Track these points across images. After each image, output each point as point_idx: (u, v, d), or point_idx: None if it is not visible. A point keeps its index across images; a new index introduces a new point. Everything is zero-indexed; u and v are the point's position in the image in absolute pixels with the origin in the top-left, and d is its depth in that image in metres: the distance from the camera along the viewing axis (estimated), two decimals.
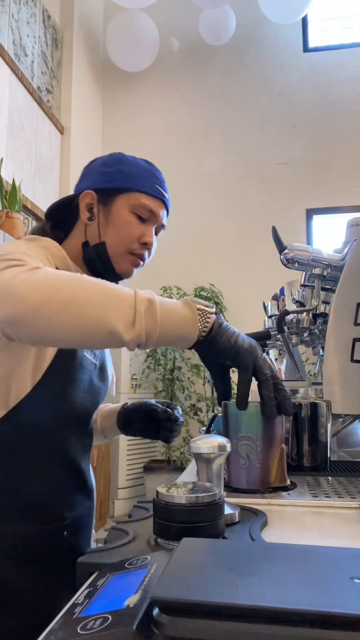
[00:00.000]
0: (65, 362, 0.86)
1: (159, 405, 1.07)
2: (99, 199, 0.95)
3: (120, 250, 0.94)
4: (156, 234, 0.99)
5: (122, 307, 0.67)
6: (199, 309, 0.72)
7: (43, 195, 3.71)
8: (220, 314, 0.78)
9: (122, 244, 0.94)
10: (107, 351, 1.09)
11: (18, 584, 0.78)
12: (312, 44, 4.69)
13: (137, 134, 4.79)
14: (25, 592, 0.79)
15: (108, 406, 1.14)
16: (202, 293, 4.22)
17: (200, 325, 0.71)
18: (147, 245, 0.95)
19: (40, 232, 0.98)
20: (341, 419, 1.26)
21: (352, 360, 1.12)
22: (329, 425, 1.09)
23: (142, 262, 0.97)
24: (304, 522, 0.70)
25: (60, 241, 0.95)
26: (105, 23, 4.68)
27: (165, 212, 0.99)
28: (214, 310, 0.75)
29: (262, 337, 1.20)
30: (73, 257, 0.94)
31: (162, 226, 1.00)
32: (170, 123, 4.75)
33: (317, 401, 1.08)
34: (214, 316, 0.74)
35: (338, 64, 4.55)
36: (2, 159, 2.79)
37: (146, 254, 0.97)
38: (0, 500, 0.80)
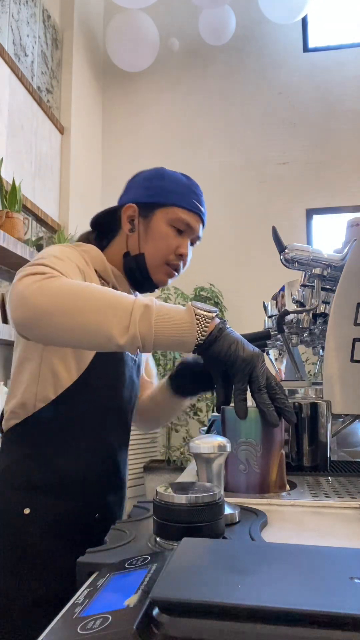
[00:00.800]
0: (109, 357, 0.94)
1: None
2: (140, 212, 1.02)
3: (158, 261, 1.01)
4: (192, 244, 1.06)
5: (119, 313, 0.72)
6: (197, 315, 0.74)
7: (43, 195, 3.71)
8: (225, 321, 0.78)
9: (159, 256, 1.01)
10: None
11: (50, 553, 0.88)
12: (312, 44, 4.69)
13: (137, 134, 4.79)
14: (55, 561, 0.88)
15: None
16: (202, 293, 4.22)
17: (198, 331, 0.74)
18: (182, 257, 1.02)
19: (85, 239, 1.07)
20: (341, 419, 1.26)
21: (352, 360, 1.12)
22: (329, 425, 1.09)
23: (176, 273, 1.05)
24: (304, 522, 0.70)
25: (102, 248, 1.04)
26: (105, 23, 4.68)
27: (201, 225, 1.05)
28: (214, 315, 0.77)
29: (262, 337, 1.20)
30: (114, 264, 1.02)
31: (198, 238, 1.06)
32: (170, 123, 4.75)
33: (317, 401, 1.08)
34: (215, 321, 0.76)
35: (338, 64, 4.55)
36: (2, 159, 2.79)
37: (181, 264, 1.04)
38: (45, 477, 0.91)
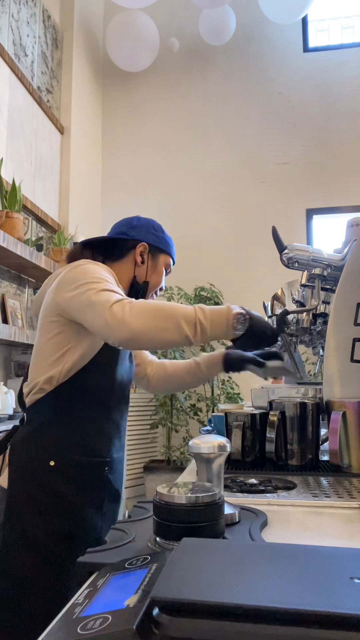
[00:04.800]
0: (111, 346, 1.16)
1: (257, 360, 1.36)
2: (150, 251, 1.34)
3: (152, 290, 1.37)
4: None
5: (189, 323, 1.04)
6: (233, 316, 1.08)
7: (43, 195, 3.71)
8: (249, 318, 1.10)
9: (154, 286, 1.37)
10: None
11: (71, 499, 1.12)
12: (312, 44, 4.69)
13: (137, 134, 4.79)
14: (75, 505, 1.12)
15: (206, 357, 1.48)
16: (202, 293, 4.22)
17: (235, 326, 1.07)
18: (161, 289, 1.41)
19: (90, 257, 1.29)
20: None
21: (352, 360, 1.12)
22: (320, 425, 1.09)
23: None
24: (304, 522, 0.70)
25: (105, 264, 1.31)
26: (105, 23, 4.68)
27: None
28: (244, 316, 1.09)
29: (272, 357, 1.33)
30: (120, 281, 1.28)
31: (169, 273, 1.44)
32: (170, 123, 4.75)
33: (305, 401, 1.08)
34: (246, 322, 1.09)
35: (338, 64, 4.55)
36: (2, 159, 2.79)
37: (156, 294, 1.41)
38: (67, 436, 1.14)
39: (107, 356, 1.19)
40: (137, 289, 1.34)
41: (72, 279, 1.13)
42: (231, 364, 1.36)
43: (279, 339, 1.40)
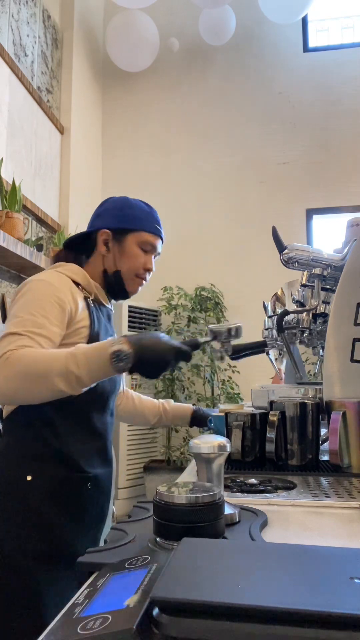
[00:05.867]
0: None
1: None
2: (113, 236, 1.24)
3: (131, 275, 1.26)
4: (154, 257, 1.30)
5: (62, 376, 0.94)
6: (111, 352, 0.94)
7: (43, 195, 3.71)
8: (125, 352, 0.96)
9: (132, 271, 1.25)
10: None
11: (48, 515, 1.06)
12: (312, 44, 4.69)
13: (137, 134, 4.79)
14: (53, 522, 1.06)
15: (175, 407, 1.46)
16: (202, 293, 4.22)
17: (113, 361, 0.94)
18: (148, 271, 1.28)
19: (63, 259, 1.27)
20: None
21: (352, 360, 1.12)
22: (320, 425, 1.09)
23: (144, 282, 1.30)
24: (304, 522, 0.70)
25: (81, 264, 1.27)
26: (105, 23, 4.68)
27: (160, 243, 1.29)
28: (119, 346, 0.95)
29: (258, 347, 1.33)
30: (94, 278, 1.24)
31: (158, 253, 1.31)
32: (170, 123, 4.75)
33: (305, 401, 1.08)
34: (123, 350, 0.95)
35: (338, 64, 4.54)
36: (2, 159, 2.79)
37: (148, 276, 1.30)
38: (44, 450, 1.09)
39: None
40: (110, 281, 1.26)
41: (13, 301, 1.11)
42: (198, 422, 1.41)
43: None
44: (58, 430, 1.10)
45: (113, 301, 1.35)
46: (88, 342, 1.11)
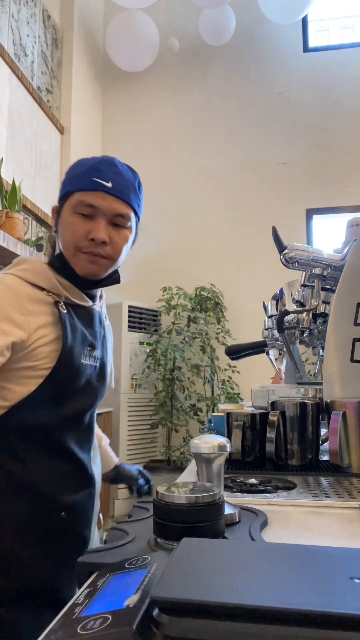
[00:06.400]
0: (64, 371, 0.95)
1: (138, 485, 1.31)
2: (57, 212, 1.01)
3: (71, 251, 0.97)
4: (119, 225, 0.98)
5: None
6: None
7: (43, 195, 3.71)
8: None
9: (70, 246, 0.97)
10: (110, 348, 1.15)
11: (19, 552, 0.90)
12: (312, 44, 4.69)
13: (137, 134, 4.78)
14: (23, 559, 0.90)
15: (106, 453, 1.28)
16: (202, 293, 4.22)
17: None
18: (95, 241, 0.95)
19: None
20: None
21: (352, 360, 1.12)
22: (320, 425, 1.09)
23: (102, 259, 0.98)
24: (304, 522, 0.70)
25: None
26: (105, 23, 4.68)
27: (113, 199, 0.96)
28: None
29: (258, 347, 1.29)
30: (61, 273, 1.00)
31: (121, 216, 0.97)
32: (170, 123, 4.75)
33: (305, 401, 1.08)
34: None
35: (338, 64, 4.55)
36: (2, 159, 2.79)
37: (105, 249, 0.97)
38: (7, 481, 0.92)
39: (58, 384, 0.94)
40: (59, 267, 1.00)
41: None
42: (113, 479, 1.28)
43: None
44: (23, 459, 0.93)
45: (110, 299, 1.14)
46: (60, 359, 0.93)
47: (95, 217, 0.96)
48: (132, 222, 1.01)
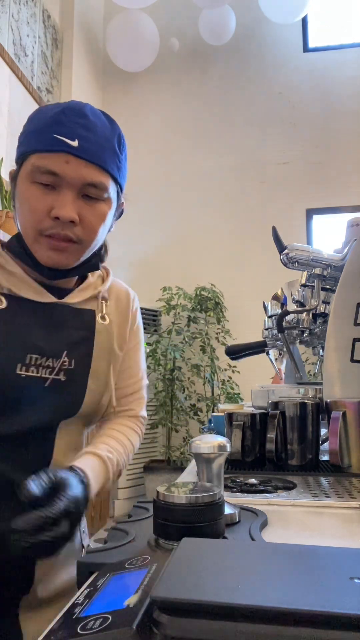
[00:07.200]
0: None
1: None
2: (13, 176, 0.79)
3: (30, 235, 0.74)
4: (92, 197, 0.74)
5: None
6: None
7: None
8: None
9: (28, 227, 0.74)
10: (108, 358, 0.91)
11: None
12: (312, 44, 4.68)
13: (137, 134, 4.78)
14: None
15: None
16: (202, 293, 4.22)
17: None
18: (60, 220, 0.71)
19: None
20: None
21: (352, 360, 1.12)
22: (320, 425, 1.09)
23: (71, 244, 0.75)
24: (304, 522, 0.70)
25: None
26: (105, 23, 4.68)
27: (81, 163, 0.71)
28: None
29: (258, 347, 1.26)
30: (19, 257, 0.81)
31: (93, 185, 0.73)
32: (170, 123, 4.75)
33: (305, 401, 1.08)
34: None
35: (338, 64, 4.55)
36: (2, 159, 2.78)
37: (73, 231, 0.74)
38: None
39: None
40: (18, 253, 0.80)
41: None
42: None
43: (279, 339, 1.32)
44: None
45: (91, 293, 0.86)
46: None
47: (60, 188, 0.72)
48: (111, 192, 0.77)
